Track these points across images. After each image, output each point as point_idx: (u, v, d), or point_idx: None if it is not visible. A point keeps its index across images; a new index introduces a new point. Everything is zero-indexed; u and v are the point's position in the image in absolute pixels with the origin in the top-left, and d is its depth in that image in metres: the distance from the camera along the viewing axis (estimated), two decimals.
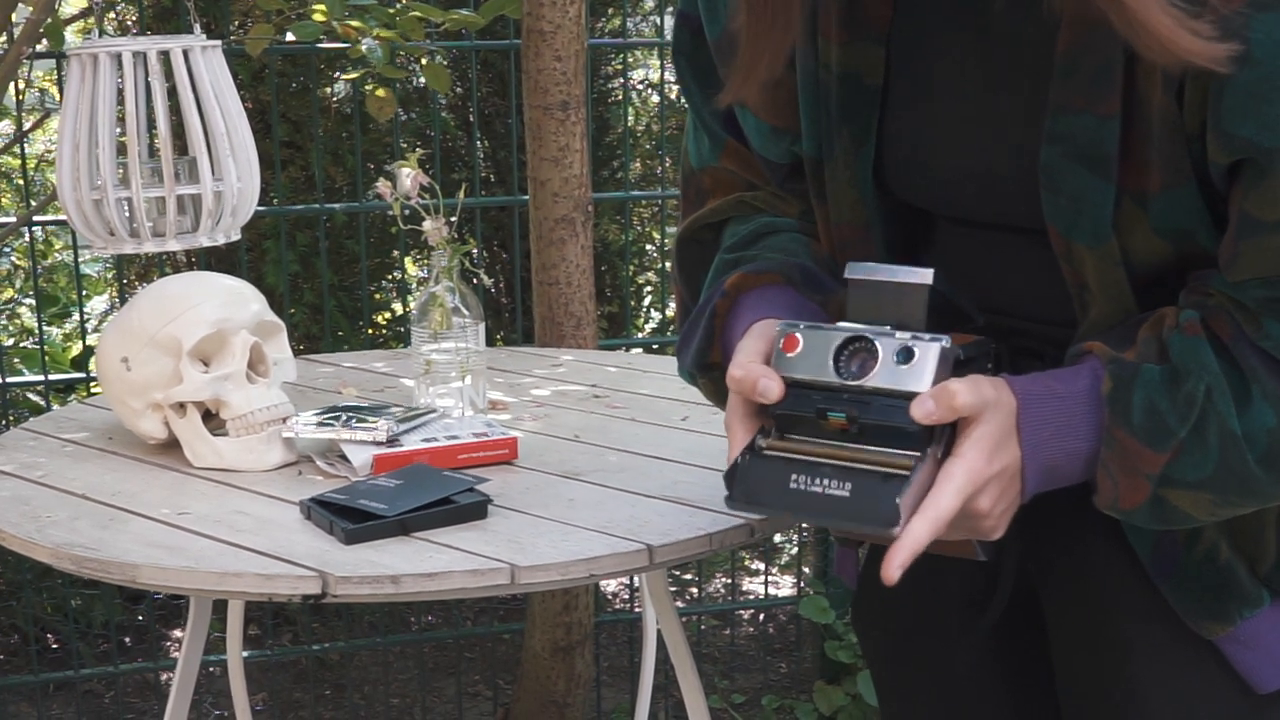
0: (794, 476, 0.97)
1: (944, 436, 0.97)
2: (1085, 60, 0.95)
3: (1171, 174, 0.96)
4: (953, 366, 0.97)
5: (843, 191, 1.12)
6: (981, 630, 1.18)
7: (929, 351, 0.95)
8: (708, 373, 1.18)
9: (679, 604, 3.35)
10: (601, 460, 1.61)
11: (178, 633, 3.24)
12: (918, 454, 0.95)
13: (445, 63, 3.21)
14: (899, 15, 1.07)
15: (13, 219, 2.90)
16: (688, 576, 3.49)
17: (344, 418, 1.60)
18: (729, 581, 3.43)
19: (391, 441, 1.57)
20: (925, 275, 0.99)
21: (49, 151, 3.84)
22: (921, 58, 1.06)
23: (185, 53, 1.71)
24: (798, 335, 0.99)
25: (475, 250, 2.96)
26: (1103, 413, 0.98)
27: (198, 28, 1.81)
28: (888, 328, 0.98)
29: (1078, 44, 0.96)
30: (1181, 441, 0.97)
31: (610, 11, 3.42)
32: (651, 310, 3.66)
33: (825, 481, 0.96)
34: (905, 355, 0.96)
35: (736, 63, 1.06)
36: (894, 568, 0.93)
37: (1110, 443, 0.98)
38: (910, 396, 0.95)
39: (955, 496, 0.94)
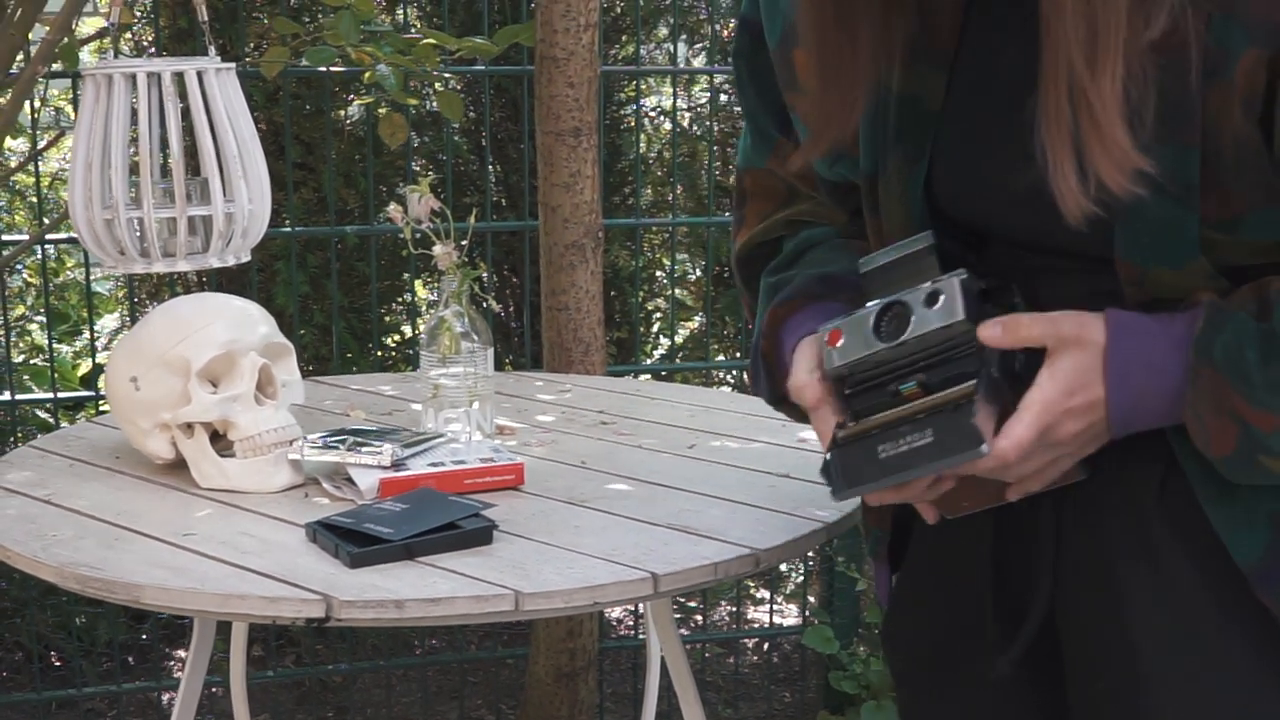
0: (880, 447, 1.02)
1: (995, 356, 1.01)
2: (1163, 91, 0.95)
3: (1260, 196, 0.96)
4: (978, 295, 1.02)
5: (894, 207, 1.14)
6: (1009, 657, 1.17)
7: (951, 287, 1.02)
8: (781, 406, 1.25)
9: (683, 631, 3.34)
10: (607, 487, 1.61)
11: (181, 652, 3.23)
12: (974, 379, 1.00)
13: (458, 87, 3.22)
14: (966, 38, 1.08)
15: (25, 236, 2.91)
16: (692, 604, 3.48)
17: (350, 441, 1.60)
18: (734, 609, 3.42)
19: (397, 465, 1.57)
20: (925, 238, 1.06)
21: (62, 170, 3.86)
22: (985, 80, 1.07)
23: (199, 74, 1.71)
24: (838, 328, 1.06)
25: (485, 275, 2.97)
26: (1190, 353, 0.99)
27: (213, 50, 1.82)
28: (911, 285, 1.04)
29: (1156, 76, 0.96)
30: (1270, 408, 0.96)
31: (623, 39, 3.44)
32: (660, 336, 3.66)
33: (908, 437, 1.01)
34: (932, 298, 1.02)
35: (809, 128, 1.13)
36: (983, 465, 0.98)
37: (1196, 382, 0.98)
38: (951, 326, 1.01)
39: (1031, 427, 0.99)
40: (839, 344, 1.06)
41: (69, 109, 3.68)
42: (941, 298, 1.02)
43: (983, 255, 1.17)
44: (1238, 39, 0.93)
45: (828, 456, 1.05)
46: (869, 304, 1.06)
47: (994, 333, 1.02)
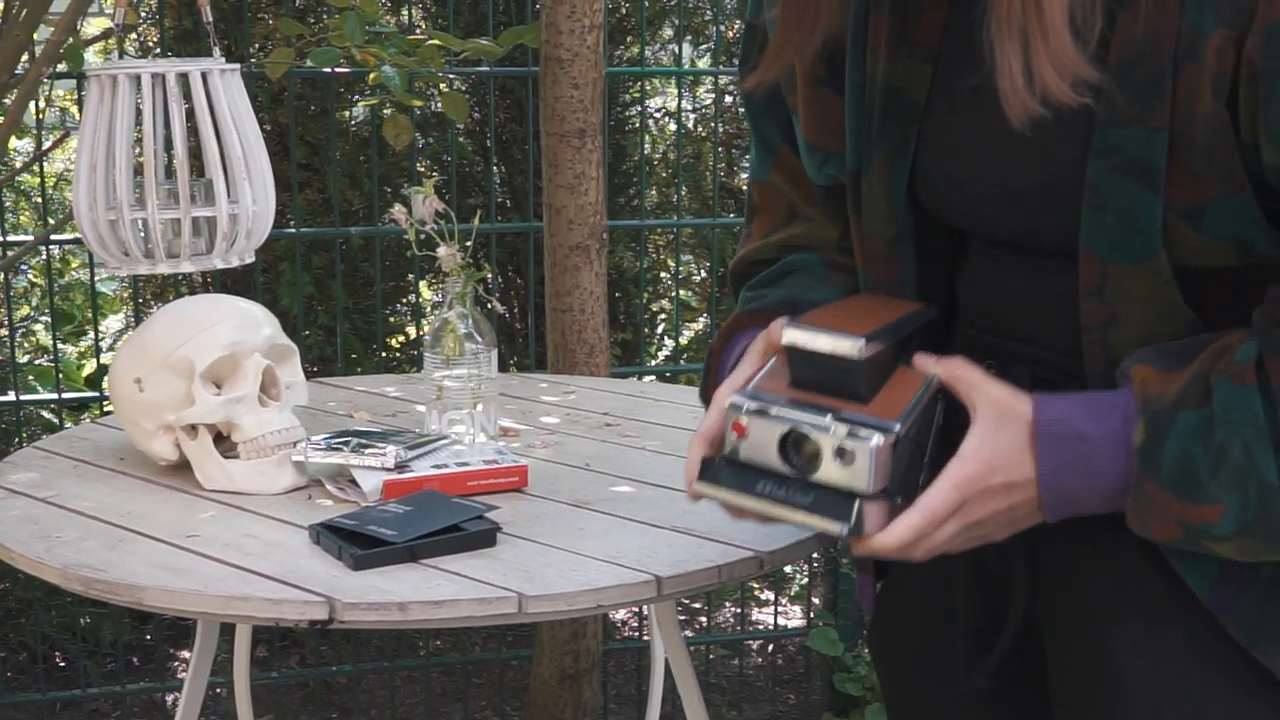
0: (762, 483, 1.02)
1: (900, 472, 1.01)
2: (1136, 73, 0.96)
3: (1226, 183, 0.96)
4: (893, 448, 0.99)
5: (876, 203, 1.14)
6: (986, 665, 1.18)
7: (864, 452, 0.98)
8: (707, 405, 1.21)
9: (688, 633, 3.34)
10: (612, 489, 1.60)
11: (185, 653, 3.23)
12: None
13: (463, 89, 3.22)
14: (948, 33, 1.08)
15: (31, 237, 2.91)
16: (697, 605, 3.48)
17: (354, 442, 1.60)
18: (738, 611, 3.42)
19: (401, 467, 1.57)
20: (857, 346, 1.00)
21: (67, 171, 3.86)
22: (966, 74, 1.07)
23: (204, 75, 1.71)
24: (743, 421, 1.03)
25: (489, 276, 2.96)
26: (1132, 463, 0.98)
27: (217, 50, 1.81)
28: (826, 419, 1.00)
29: (1128, 57, 0.96)
30: (1218, 500, 0.96)
31: (628, 40, 3.44)
32: (665, 338, 3.66)
33: (790, 491, 1.01)
34: (843, 455, 0.98)
35: (769, 48, 1.10)
36: (886, 538, 0.98)
37: (1139, 495, 0.98)
38: (857, 493, 0.98)
39: (948, 499, 0.98)
40: (744, 440, 1.03)
41: (74, 110, 3.69)
42: (854, 461, 0.98)
43: (961, 255, 1.17)
44: (1208, 20, 0.93)
45: (716, 459, 1.05)
46: (780, 409, 1.02)
47: (927, 362, 1.04)
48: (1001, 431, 1.00)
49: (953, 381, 1.04)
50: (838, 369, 1.01)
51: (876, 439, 0.97)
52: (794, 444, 1.01)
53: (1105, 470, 0.99)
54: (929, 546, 1.00)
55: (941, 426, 1.05)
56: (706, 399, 1.23)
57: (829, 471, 0.99)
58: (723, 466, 1.04)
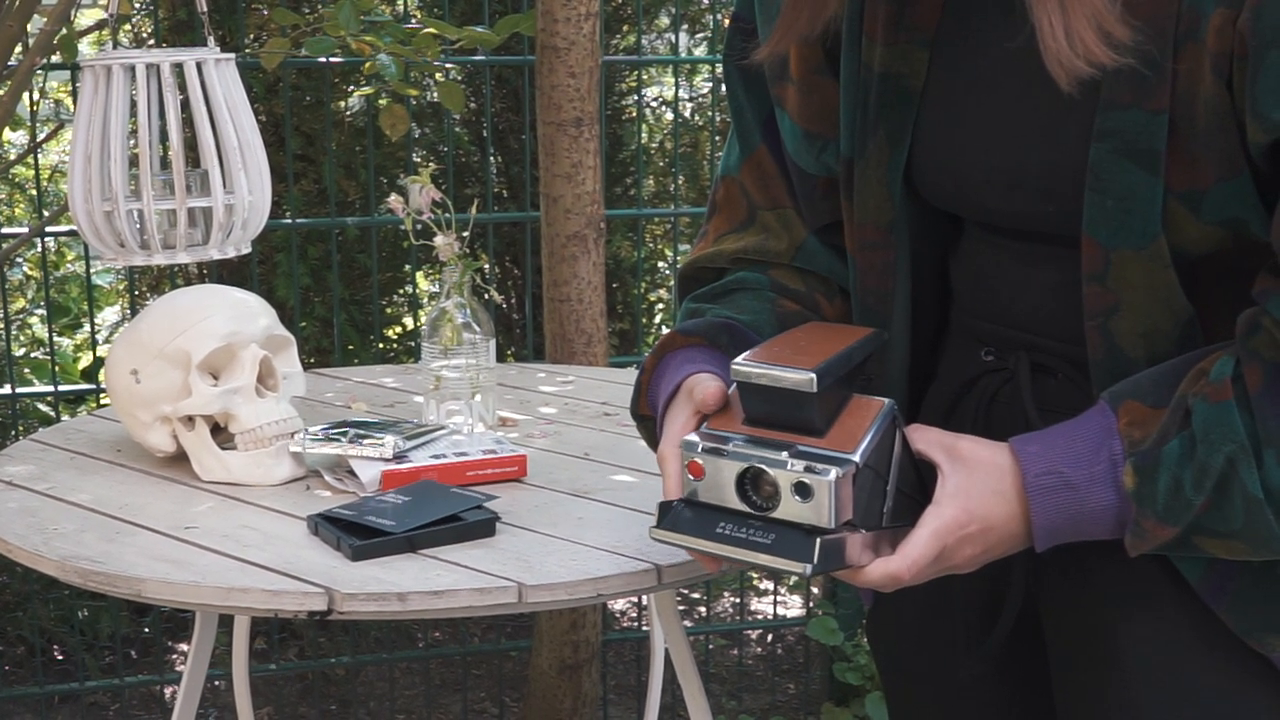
0: (722, 524, 1.01)
1: (861, 506, 1.00)
2: (1135, 55, 0.96)
3: (1225, 167, 0.96)
4: (853, 480, 0.98)
5: (870, 190, 1.13)
6: (985, 649, 1.18)
7: (823, 487, 0.97)
8: (639, 421, 1.23)
9: (687, 623, 3.34)
10: (611, 479, 1.60)
11: (184, 645, 3.23)
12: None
13: (459, 78, 3.21)
14: (945, 18, 1.07)
15: (25, 229, 2.90)
16: (696, 595, 3.48)
17: (352, 433, 1.59)
18: (737, 601, 3.42)
19: (399, 458, 1.56)
20: (809, 379, 0.98)
21: (62, 162, 3.85)
22: (963, 59, 1.07)
23: (199, 65, 1.70)
24: (699, 460, 1.02)
25: (486, 266, 2.96)
26: (1128, 505, 0.99)
27: (212, 40, 1.81)
28: (783, 454, 0.98)
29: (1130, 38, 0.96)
30: (1205, 502, 0.97)
31: (625, 29, 3.43)
32: (663, 328, 3.66)
33: (750, 530, 1.00)
34: (803, 491, 0.97)
35: (779, 19, 1.09)
36: (868, 574, 1.00)
37: (1139, 531, 1.00)
38: (818, 530, 0.98)
39: (929, 547, 0.99)
40: (701, 480, 1.02)
41: (68, 101, 3.68)
42: (812, 496, 0.97)
43: (957, 241, 1.17)
44: (1208, 0, 0.93)
45: (674, 503, 1.04)
46: (733, 447, 1.01)
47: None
48: (974, 476, 1.01)
49: (912, 440, 1.04)
50: (791, 403, 0.99)
51: (834, 473, 0.96)
52: (752, 481, 1.00)
53: (1096, 510, 1.01)
54: (898, 585, 1.02)
55: (904, 450, 1.04)
56: (637, 416, 1.23)
57: (789, 508, 0.98)
58: (682, 510, 1.03)
